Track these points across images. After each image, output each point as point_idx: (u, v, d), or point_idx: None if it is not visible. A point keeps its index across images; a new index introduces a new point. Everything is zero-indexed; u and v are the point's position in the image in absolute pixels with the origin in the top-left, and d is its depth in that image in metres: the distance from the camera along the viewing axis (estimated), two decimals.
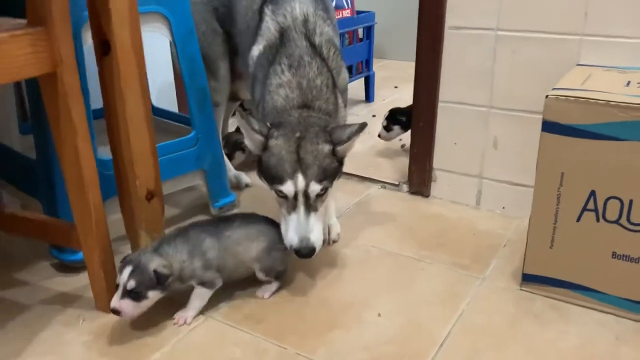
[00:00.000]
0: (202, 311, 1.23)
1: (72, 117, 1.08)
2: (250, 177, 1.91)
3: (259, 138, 1.24)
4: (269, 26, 1.40)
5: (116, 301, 1.11)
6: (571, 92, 1.16)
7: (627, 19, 1.37)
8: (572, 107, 1.14)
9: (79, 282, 1.35)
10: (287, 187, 1.21)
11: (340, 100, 1.40)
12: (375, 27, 2.82)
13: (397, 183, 1.87)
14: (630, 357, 1.10)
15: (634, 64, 1.37)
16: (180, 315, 1.22)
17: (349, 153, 1.30)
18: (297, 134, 1.23)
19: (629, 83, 1.23)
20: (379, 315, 1.24)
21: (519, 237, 1.51)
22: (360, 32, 2.75)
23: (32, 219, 1.32)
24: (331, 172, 1.25)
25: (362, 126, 1.25)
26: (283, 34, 1.38)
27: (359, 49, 2.73)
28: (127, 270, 1.11)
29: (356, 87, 2.85)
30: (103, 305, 1.25)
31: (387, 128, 2.11)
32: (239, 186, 1.89)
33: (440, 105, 1.69)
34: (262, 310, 1.26)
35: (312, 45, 1.36)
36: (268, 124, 1.26)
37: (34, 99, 1.28)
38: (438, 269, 1.41)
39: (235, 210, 1.71)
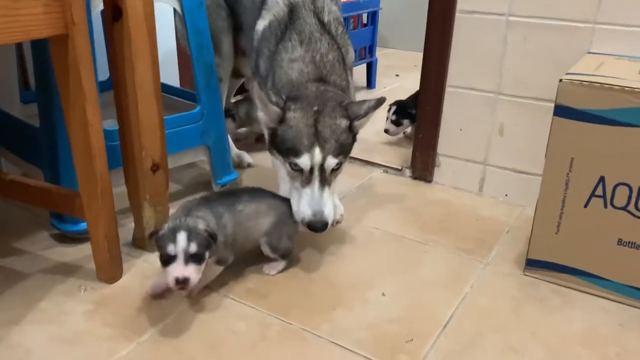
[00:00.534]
0: (206, 284, 1.22)
1: (82, 82, 1.06)
2: (252, 157, 1.90)
3: (276, 110, 1.22)
4: (277, 1, 1.39)
5: (183, 269, 1.03)
6: (585, 77, 1.16)
7: None
8: (586, 91, 1.14)
9: (80, 252, 1.34)
10: (304, 160, 1.20)
11: (350, 78, 1.39)
12: (380, 15, 2.80)
13: (400, 168, 1.86)
14: (634, 344, 1.11)
15: None
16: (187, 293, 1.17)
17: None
18: (315, 108, 1.22)
19: None
20: (383, 295, 1.24)
21: (522, 225, 1.51)
22: (365, 17, 2.73)
23: (35, 186, 1.30)
24: (347, 147, 1.25)
25: (380, 101, 1.25)
26: (292, 10, 1.37)
27: (362, 34, 2.72)
28: (182, 235, 1.04)
29: (358, 73, 2.82)
30: (105, 276, 1.24)
31: (396, 123, 2.06)
32: (241, 165, 1.87)
33: (447, 90, 1.68)
34: (266, 286, 1.25)
35: (322, 22, 1.36)
36: (284, 96, 1.25)
37: (40, 65, 1.26)
38: (441, 253, 1.41)
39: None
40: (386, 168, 1.89)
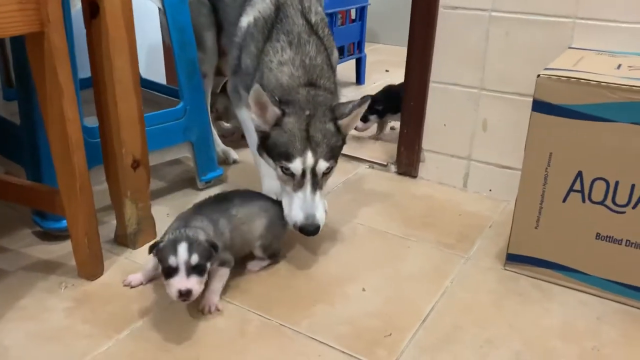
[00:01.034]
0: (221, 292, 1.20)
1: (59, 78, 1.06)
2: (238, 154, 1.90)
3: (277, 112, 1.23)
4: None
5: (185, 282, 1.01)
6: (563, 72, 1.17)
7: (619, 4, 1.36)
8: (563, 87, 1.14)
9: (61, 250, 1.34)
10: (296, 164, 1.22)
11: (336, 79, 1.40)
12: (369, 11, 2.80)
13: (385, 163, 1.87)
14: (610, 336, 1.12)
15: (626, 49, 1.37)
16: (206, 302, 1.14)
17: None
18: (307, 112, 1.24)
19: (619, 66, 1.23)
20: (364, 290, 1.24)
21: (505, 219, 1.52)
22: (353, 12, 2.73)
23: (15, 184, 1.30)
24: (337, 150, 1.27)
25: (364, 99, 1.26)
26: (279, 8, 1.37)
27: (351, 29, 2.72)
28: (183, 246, 1.02)
29: (347, 69, 2.83)
30: (86, 273, 1.24)
31: (364, 119, 2.03)
32: (226, 161, 1.87)
33: (431, 85, 1.68)
34: (247, 282, 1.25)
35: (309, 23, 1.36)
36: (277, 98, 1.25)
37: (20, 63, 1.25)
38: (423, 248, 1.41)
39: (222, 185, 1.70)
40: (372, 164, 1.89)
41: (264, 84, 1.31)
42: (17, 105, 1.31)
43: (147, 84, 1.79)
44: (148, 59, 2.17)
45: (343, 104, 1.29)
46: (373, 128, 2.13)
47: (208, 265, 1.06)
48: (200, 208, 1.21)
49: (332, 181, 1.74)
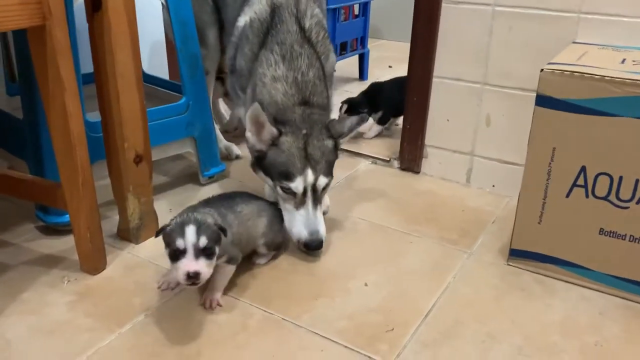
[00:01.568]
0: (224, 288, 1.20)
1: (61, 72, 1.06)
2: (241, 149, 1.90)
3: (274, 133, 1.25)
4: None
5: (193, 264, 0.98)
6: (566, 66, 1.16)
7: None
8: (567, 81, 1.14)
9: (64, 244, 1.34)
10: (297, 184, 1.24)
11: (330, 91, 1.42)
12: (372, 6, 2.79)
13: (387, 159, 1.86)
14: (613, 332, 1.11)
15: (630, 43, 1.36)
16: (207, 297, 1.14)
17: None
18: (304, 131, 1.27)
19: (624, 61, 1.22)
20: (365, 285, 1.24)
21: (508, 215, 1.52)
22: (357, 8, 2.72)
23: (18, 178, 1.30)
24: (333, 165, 1.32)
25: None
26: (274, 11, 1.37)
27: (354, 25, 2.71)
28: (191, 229, 0.99)
29: (350, 65, 2.83)
30: (88, 267, 1.24)
31: None
32: (229, 157, 1.87)
33: (434, 80, 1.68)
34: (248, 276, 1.25)
35: (302, 29, 1.37)
36: (272, 119, 1.27)
37: (23, 58, 1.25)
38: (426, 243, 1.41)
39: (225, 181, 1.70)
40: (374, 159, 1.89)
41: (257, 97, 1.33)
42: (20, 99, 1.32)
43: (149, 79, 1.80)
44: (150, 55, 2.17)
45: (338, 121, 1.33)
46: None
47: (217, 249, 1.03)
48: (207, 202, 1.20)
49: (334, 177, 1.74)
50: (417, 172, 1.79)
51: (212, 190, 1.62)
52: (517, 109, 1.55)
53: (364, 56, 2.85)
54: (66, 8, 1.06)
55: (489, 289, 1.24)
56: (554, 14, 1.45)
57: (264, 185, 1.46)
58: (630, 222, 1.15)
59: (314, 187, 1.26)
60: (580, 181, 1.18)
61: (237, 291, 1.20)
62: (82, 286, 1.21)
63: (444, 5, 1.59)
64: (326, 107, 1.37)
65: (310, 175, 1.25)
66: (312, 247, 1.27)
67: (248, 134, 1.28)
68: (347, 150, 1.94)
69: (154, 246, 1.35)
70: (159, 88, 1.80)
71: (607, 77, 1.10)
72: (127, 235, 1.36)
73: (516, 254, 1.30)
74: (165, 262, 1.20)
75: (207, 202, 1.21)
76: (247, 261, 1.29)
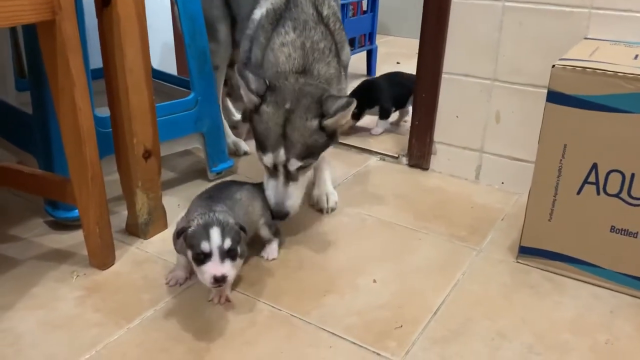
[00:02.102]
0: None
1: (70, 67, 1.06)
2: (249, 145, 1.89)
3: (254, 99, 1.23)
4: None
5: (220, 267, 0.98)
6: (578, 62, 1.15)
7: None
8: (579, 77, 1.13)
9: (73, 239, 1.34)
10: (267, 159, 1.23)
11: (343, 72, 1.39)
12: (380, 2, 2.78)
13: (396, 155, 1.85)
14: (624, 330, 1.10)
15: None
16: (217, 293, 1.14)
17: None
18: (287, 105, 1.21)
19: (637, 56, 1.21)
20: (374, 281, 1.23)
21: (517, 212, 1.51)
22: (365, 4, 2.71)
23: (27, 173, 1.30)
24: (318, 147, 1.24)
25: (349, 102, 1.20)
26: (290, 0, 1.36)
27: (362, 21, 2.70)
28: (216, 231, 0.99)
29: (358, 61, 2.81)
30: (97, 262, 1.24)
31: None
32: (237, 153, 1.87)
33: (443, 77, 1.67)
34: (257, 272, 1.25)
35: (319, 14, 1.35)
36: (266, 82, 1.24)
37: (32, 53, 1.25)
38: (434, 240, 1.40)
39: (233, 177, 1.70)
40: (383, 156, 1.88)
41: (264, 66, 1.31)
42: (30, 95, 1.32)
43: (158, 75, 1.80)
44: (159, 51, 2.17)
45: (333, 97, 1.23)
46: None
47: (239, 249, 1.03)
48: (210, 196, 1.18)
49: (342, 173, 1.74)
50: (426, 169, 1.79)
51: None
52: (527, 106, 1.54)
53: (372, 52, 2.84)
54: (75, 3, 1.06)
55: (498, 286, 1.23)
56: (565, 9, 1.43)
57: None
58: None
59: (285, 166, 1.23)
60: (592, 178, 1.17)
61: (245, 287, 1.20)
62: (91, 281, 1.21)
63: (453, 0, 1.58)
64: (331, 80, 1.32)
65: (282, 155, 1.21)
66: (276, 217, 1.27)
67: (242, 91, 1.26)
68: (355, 147, 1.93)
69: (162, 241, 1.36)
70: (166, 83, 1.80)
71: (620, 73, 1.09)
72: (135, 230, 1.36)
73: (526, 252, 1.30)
74: (173, 257, 1.21)
75: (210, 196, 1.17)
76: (256, 257, 1.30)
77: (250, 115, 1.27)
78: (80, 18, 1.18)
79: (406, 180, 1.73)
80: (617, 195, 1.15)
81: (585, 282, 1.24)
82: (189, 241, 1.01)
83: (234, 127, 2.02)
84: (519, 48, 1.52)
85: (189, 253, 1.03)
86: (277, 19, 1.35)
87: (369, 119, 2.11)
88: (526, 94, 1.54)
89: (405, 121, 2.15)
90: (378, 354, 1.03)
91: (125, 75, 1.18)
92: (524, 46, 1.51)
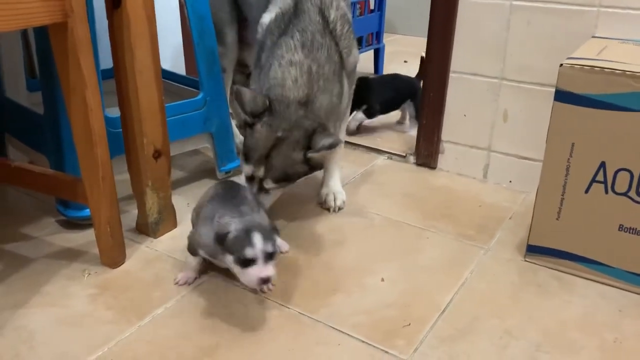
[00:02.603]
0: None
1: (82, 69, 1.07)
2: None
3: (248, 120, 1.26)
4: None
5: (265, 270, 1.02)
6: (586, 61, 1.15)
7: None
8: (587, 76, 1.13)
9: (84, 238, 1.36)
10: (246, 169, 1.28)
11: (345, 88, 1.39)
12: (387, 1, 2.78)
13: (404, 154, 1.86)
14: (632, 329, 1.10)
15: None
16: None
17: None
18: (279, 133, 1.24)
19: None
20: (382, 280, 1.24)
21: (525, 211, 1.51)
22: (372, 3, 2.72)
23: (39, 173, 1.32)
24: (297, 175, 1.28)
25: (335, 143, 1.23)
26: (297, 3, 1.36)
27: (369, 20, 2.70)
28: (259, 236, 1.02)
29: (365, 60, 2.81)
30: (108, 260, 1.25)
31: None
32: None
33: (451, 76, 1.67)
34: None
35: (326, 21, 1.35)
36: (267, 101, 1.25)
37: (43, 53, 1.27)
38: (442, 239, 1.41)
39: (240, 176, 1.71)
40: (390, 155, 1.89)
41: (270, 75, 1.31)
42: (41, 95, 1.33)
43: (167, 75, 1.81)
44: (168, 51, 2.18)
45: (323, 134, 1.25)
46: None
47: (277, 249, 1.07)
48: (222, 199, 1.16)
49: (350, 172, 1.75)
50: (434, 168, 1.79)
51: None
52: (535, 104, 1.54)
53: (380, 51, 2.84)
54: (87, 5, 1.07)
55: (506, 284, 1.24)
56: (573, 8, 1.43)
57: None
58: None
59: (260, 182, 1.27)
60: (600, 177, 1.17)
61: None
62: (102, 279, 1.22)
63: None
64: (330, 111, 1.33)
65: (261, 172, 1.26)
66: None
67: (233, 108, 1.31)
68: (363, 146, 1.94)
69: (172, 240, 1.37)
70: (176, 84, 1.81)
71: (629, 72, 1.09)
72: (145, 229, 1.37)
73: (534, 250, 1.30)
74: (183, 256, 1.23)
75: (222, 203, 1.15)
76: None
77: (244, 124, 1.30)
78: (90, 19, 1.20)
79: (414, 179, 1.74)
80: (625, 194, 1.16)
81: (593, 280, 1.24)
82: (231, 247, 1.03)
83: (240, 127, 2.03)
84: (527, 47, 1.52)
85: (229, 257, 1.04)
86: (285, 24, 1.36)
87: (383, 117, 2.11)
88: (534, 92, 1.54)
89: (403, 122, 2.16)
90: (386, 352, 1.04)
91: (135, 76, 1.19)
92: (531, 45, 1.51)
